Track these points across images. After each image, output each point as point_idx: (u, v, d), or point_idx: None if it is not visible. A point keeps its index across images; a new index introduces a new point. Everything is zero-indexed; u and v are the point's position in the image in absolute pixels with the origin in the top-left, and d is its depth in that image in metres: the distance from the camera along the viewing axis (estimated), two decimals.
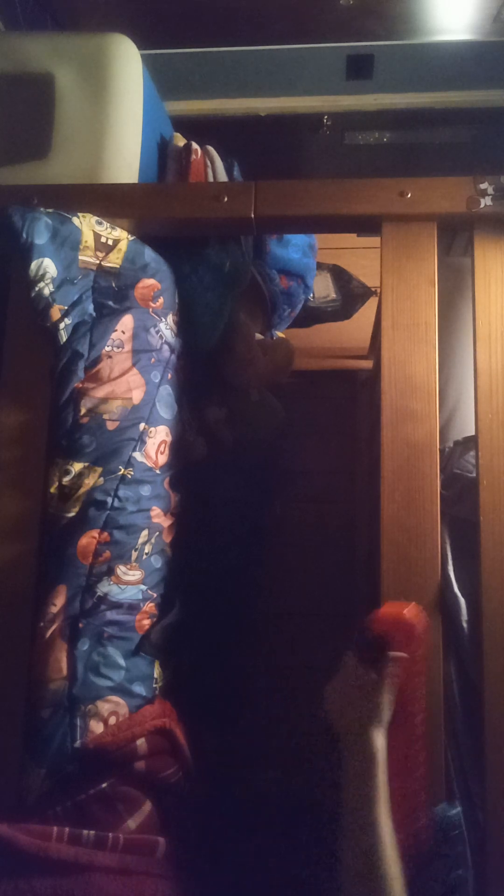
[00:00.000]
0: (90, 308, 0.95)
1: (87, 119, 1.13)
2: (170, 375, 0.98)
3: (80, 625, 0.85)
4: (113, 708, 0.84)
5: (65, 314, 0.92)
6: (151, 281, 0.98)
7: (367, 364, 1.61)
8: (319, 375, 1.62)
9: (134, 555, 0.90)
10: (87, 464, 0.89)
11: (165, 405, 0.96)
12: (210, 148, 1.31)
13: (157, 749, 0.84)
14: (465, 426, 1.05)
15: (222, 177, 1.32)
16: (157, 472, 0.94)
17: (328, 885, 0.69)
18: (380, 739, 0.70)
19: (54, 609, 0.86)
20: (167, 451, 0.96)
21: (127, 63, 1.17)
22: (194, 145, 1.29)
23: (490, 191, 0.93)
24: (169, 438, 0.97)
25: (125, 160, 1.14)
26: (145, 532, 0.91)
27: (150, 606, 0.91)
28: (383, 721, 0.71)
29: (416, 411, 0.89)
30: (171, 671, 0.93)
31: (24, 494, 0.91)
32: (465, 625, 0.86)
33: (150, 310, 0.97)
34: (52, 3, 1.71)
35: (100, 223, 0.97)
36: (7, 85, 1.19)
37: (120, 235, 0.98)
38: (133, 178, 1.16)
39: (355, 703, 0.72)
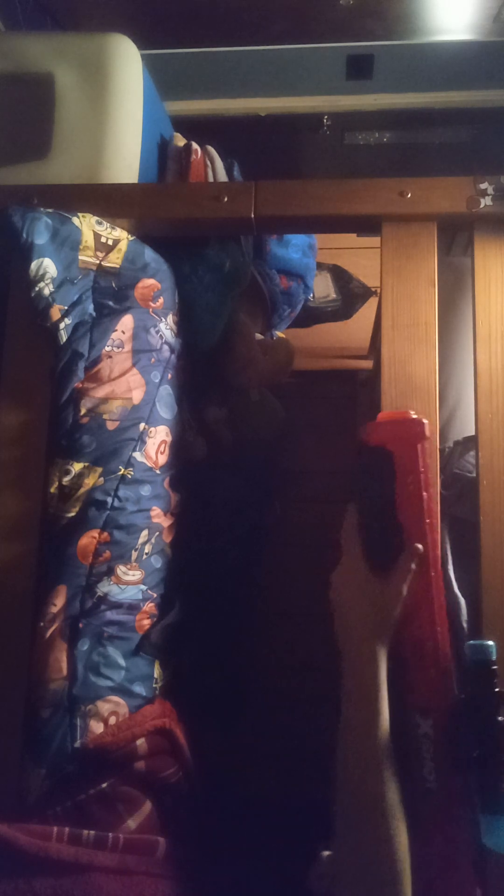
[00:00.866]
0: (90, 308, 0.95)
1: (87, 119, 1.13)
2: (170, 375, 0.98)
3: (80, 625, 0.85)
4: (113, 708, 0.84)
5: (65, 314, 0.92)
6: (151, 281, 0.98)
7: (367, 364, 1.61)
8: (319, 375, 1.62)
9: (134, 555, 0.90)
10: (87, 464, 0.89)
11: (165, 405, 0.96)
12: (210, 148, 1.31)
13: (157, 749, 0.84)
14: (465, 426, 1.05)
15: (222, 177, 1.32)
16: (157, 472, 0.94)
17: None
18: (384, 652, 0.66)
19: (54, 609, 0.86)
20: (167, 451, 0.96)
21: (127, 63, 1.17)
22: (194, 145, 1.29)
23: (490, 191, 0.93)
24: (169, 438, 0.97)
25: (125, 160, 1.14)
26: (145, 532, 0.91)
27: (150, 606, 0.91)
28: (391, 631, 0.67)
29: (416, 411, 0.89)
30: (171, 671, 0.93)
31: (24, 494, 0.91)
32: (464, 625, 0.86)
33: (150, 310, 0.97)
34: (52, 3, 1.72)
35: (100, 223, 0.97)
36: (7, 85, 1.19)
37: (120, 235, 0.98)
38: (133, 178, 1.15)
39: (362, 610, 0.67)
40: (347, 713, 0.67)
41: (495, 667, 0.70)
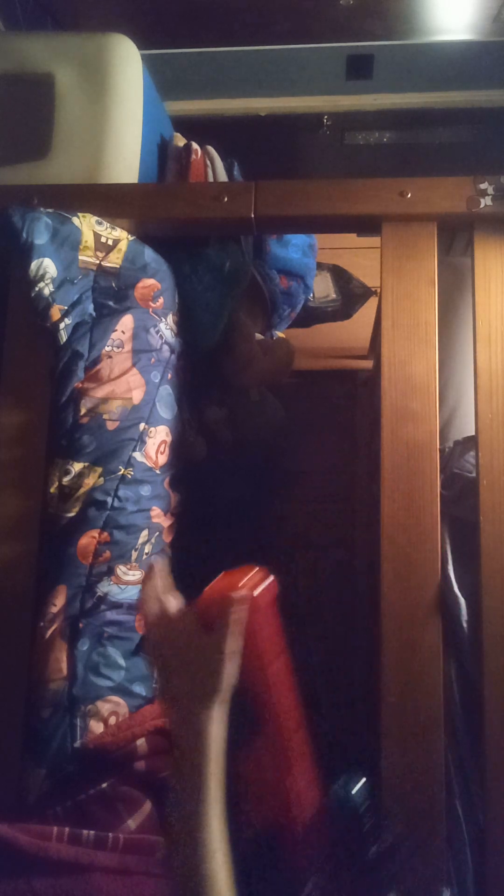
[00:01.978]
0: (90, 308, 0.95)
1: (87, 119, 1.13)
2: (170, 375, 0.98)
3: (80, 625, 0.85)
4: (113, 708, 0.84)
5: (65, 314, 0.92)
6: (151, 281, 0.98)
7: (367, 364, 1.61)
8: (319, 375, 1.61)
9: (134, 555, 0.90)
10: (87, 464, 0.89)
11: (165, 405, 0.96)
12: (210, 148, 1.31)
13: (157, 749, 0.84)
14: (465, 426, 1.05)
15: (222, 177, 1.32)
16: (157, 472, 0.94)
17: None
18: (215, 722, 0.58)
19: (54, 609, 0.86)
20: (167, 451, 0.96)
21: (127, 63, 1.17)
22: (194, 145, 1.29)
23: (490, 191, 0.93)
24: (169, 438, 0.97)
25: (125, 160, 1.14)
26: (145, 532, 0.91)
27: None
28: (222, 695, 0.58)
29: (416, 411, 0.89)
30: None
31: (24, 494, 0.91)
32: (465, 625, 0.86)
33: (150, 310, 0.97)
34: (52, 3, 1.72)
35: (100, 223, 0.97)
36: (7, 85, 1.19)
37: (120, 235, 0.98)
38: (133, 178, 1.16)
39: (186, 667, 0.59)
40: (176, 794, 0.58)
41: (362, 809, 0.66)
